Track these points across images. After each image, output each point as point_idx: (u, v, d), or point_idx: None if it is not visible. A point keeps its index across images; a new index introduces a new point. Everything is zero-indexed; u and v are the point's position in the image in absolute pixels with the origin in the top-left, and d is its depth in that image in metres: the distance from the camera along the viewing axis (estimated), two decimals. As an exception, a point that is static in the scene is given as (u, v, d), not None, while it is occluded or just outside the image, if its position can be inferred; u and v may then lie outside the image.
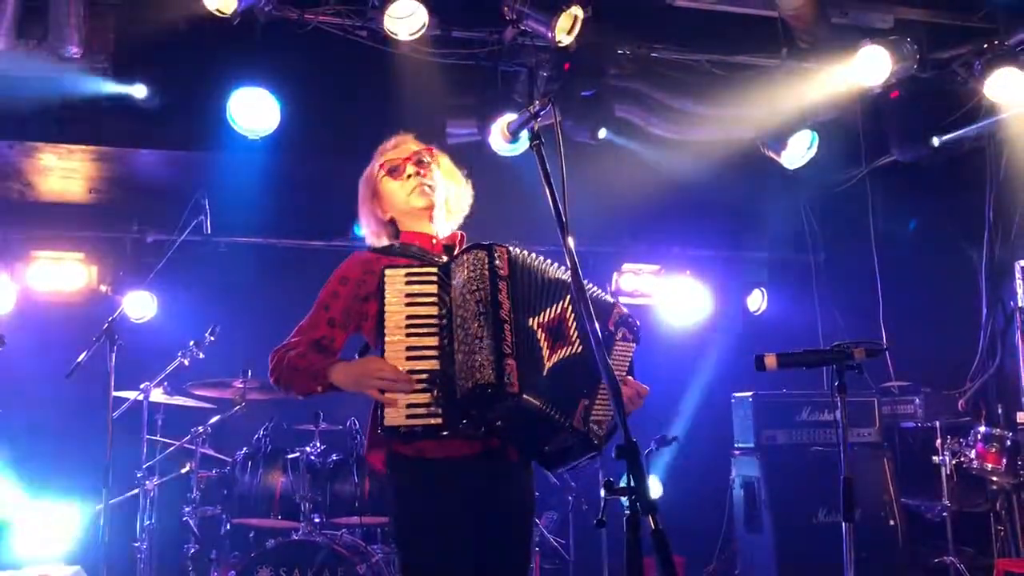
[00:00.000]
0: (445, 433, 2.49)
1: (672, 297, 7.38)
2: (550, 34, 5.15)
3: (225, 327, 5.55)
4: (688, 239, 7.39)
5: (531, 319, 2.57)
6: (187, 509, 5.29)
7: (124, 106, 5.38)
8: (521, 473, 2.80)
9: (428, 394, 2.49)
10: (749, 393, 6.08)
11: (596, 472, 5.67)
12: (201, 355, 5.48)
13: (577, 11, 5.13)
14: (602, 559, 5.82)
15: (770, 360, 3.56)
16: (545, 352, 2.57)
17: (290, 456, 5.08)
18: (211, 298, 6.14)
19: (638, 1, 5.48)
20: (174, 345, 5.54)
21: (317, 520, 4.93)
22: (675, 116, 6.38)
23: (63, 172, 6.25)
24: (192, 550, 5.29)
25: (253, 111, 5.21)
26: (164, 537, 5.47)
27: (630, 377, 2.80)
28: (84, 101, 5.31)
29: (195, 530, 5.29)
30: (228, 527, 5.24)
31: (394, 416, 2.49)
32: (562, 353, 2.60)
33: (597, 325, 2.28)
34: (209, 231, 5.75)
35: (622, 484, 2.05)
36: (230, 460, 5.28)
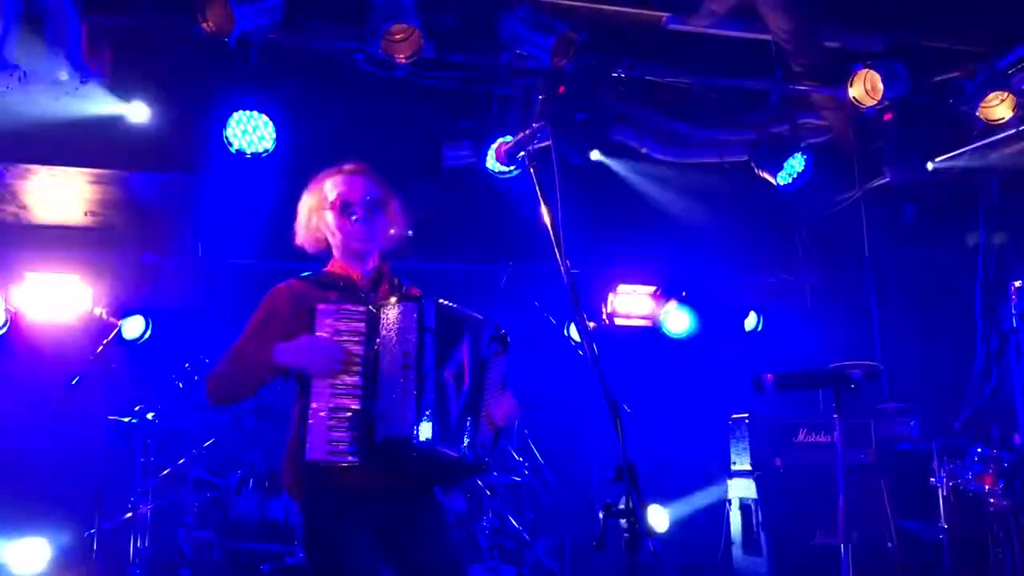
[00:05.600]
0: (360, 466, 2.62)
1: (667, 318, 7.38)
2: (545, 58, 5.19)
3: (220, 350, 5.52)
4: (683, 260, 7.40)
5: (446, 370, 2.69)
6: (181, 533, 5.25)
7: (121, 129, 5.40)
8: (433, 497, 2.89)
9: (349, 433, 2.62)
10: (745, 415, 6.07)
11: (593, 494, 5.65)
12: (196, 377, 5.46)
13: (572, 35, 5.17)
14: (599, 583, 5.78)
15: (768, 381, 3.55)
16: (454, 399, 2.70)
17: (285, 479, 5.04)
18: (206, 320, 6.12)
19: (633, 24, 5.52)
20: (169, 368, 5.52)
21: (312, 544, 4.89)
22: (670, 138, 6.43)
23: (59, 194, 6.25)
24: (186, 574, 5.25)
25: (250, 134, 5.23)
26: (158, 561, 5.42)
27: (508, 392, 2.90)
28: (81, 123, 5.32)
29: (188, 554, 5.24)
30: (222, 551, 5.19)
31: (316, 450, 2.63)
32: (462, 397, 2.73)
33: (468, 346, 2.59)
34: (204, 253, 5.76)
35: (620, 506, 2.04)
36: (224, 484, 5.25)
